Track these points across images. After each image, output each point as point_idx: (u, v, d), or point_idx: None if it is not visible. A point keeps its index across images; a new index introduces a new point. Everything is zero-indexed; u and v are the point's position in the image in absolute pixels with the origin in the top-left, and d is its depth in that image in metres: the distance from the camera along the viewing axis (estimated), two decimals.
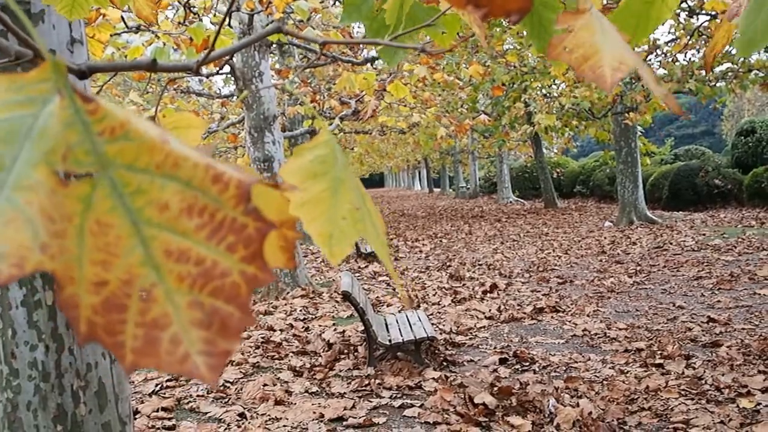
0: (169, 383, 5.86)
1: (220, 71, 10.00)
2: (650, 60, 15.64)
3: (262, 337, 7.24)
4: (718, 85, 15.77)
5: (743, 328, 6.66)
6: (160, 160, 0.39)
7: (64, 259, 0.39)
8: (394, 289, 10.08)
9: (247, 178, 0.39)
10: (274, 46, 13.10)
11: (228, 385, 5.85)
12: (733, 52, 13.90)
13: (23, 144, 0.39)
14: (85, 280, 0.39)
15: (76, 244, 0.39)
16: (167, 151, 0.39)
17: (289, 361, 6.46)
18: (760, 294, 8.13)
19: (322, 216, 0.58)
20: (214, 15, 8.43)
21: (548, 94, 18.73)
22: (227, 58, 8.41)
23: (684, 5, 12.90)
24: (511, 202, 29.25)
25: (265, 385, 5.66)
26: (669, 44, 15.35)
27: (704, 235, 14.07)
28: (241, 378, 6.02)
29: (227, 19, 7.91)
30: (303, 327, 7.77)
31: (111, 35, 6.38)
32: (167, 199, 0.39)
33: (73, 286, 0.39)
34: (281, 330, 7.62)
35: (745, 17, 1.05)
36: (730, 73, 15.59)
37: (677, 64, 15.22)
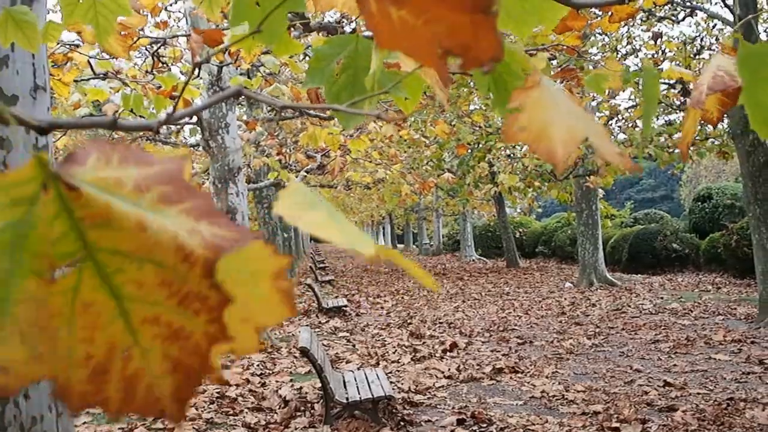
0: None
1: (181, 123, 9.99)
2: (611, 125, 16.10)
3: (218, 392, 7.06)
4: (676, 151, 16.24)
5: (698, 393, 6.70)
6: (137, 246, 0.44)
7: (56, 357, 0.45)
8: (354, 345, 9.98)
9: (213, 254, 0.43)
10: (242, 97, 13.16)
11: None
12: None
13: (13, 254, 0.43)
14: (74, 360, 0.45)
15: (66, 334, 0.45)
16: (143, 238, 0.44)
17: (244, 417, 6.30)
18: (715, 359, 8.22)
19: (338, 233, 0.59)
20: (183, 65, 8.47)
21: (512, 155, 19.09)
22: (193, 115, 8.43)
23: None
24: (473, 260, 29.39)
25: None
26: (629, 110, 15.85)
27: (662, 298, 14.26)
28: None
29: (197, 71, 7.95)
30: (260, 382, 7.61)
31: (77, 81, 6.35)
32: (144, 277, 0.45)
33: (64, 374, 0.45)
34: (237, 385, 7.46)
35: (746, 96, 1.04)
36: None
37: (637, 129, 15.69)
